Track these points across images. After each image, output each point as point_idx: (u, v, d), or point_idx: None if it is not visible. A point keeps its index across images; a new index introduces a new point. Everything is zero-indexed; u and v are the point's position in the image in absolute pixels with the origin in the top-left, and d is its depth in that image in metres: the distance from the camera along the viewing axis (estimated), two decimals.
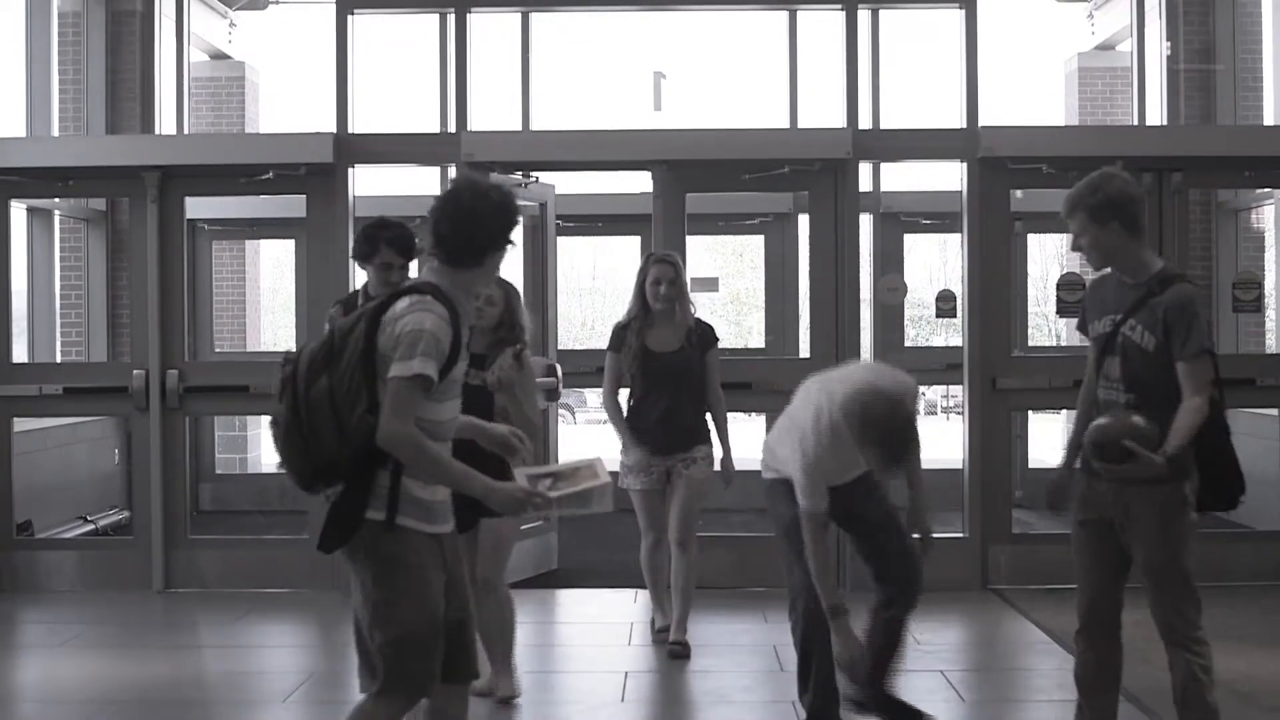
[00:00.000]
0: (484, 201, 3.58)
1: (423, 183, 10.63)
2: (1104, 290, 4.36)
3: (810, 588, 4.94)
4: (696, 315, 6.45)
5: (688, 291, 6.41)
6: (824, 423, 4.73)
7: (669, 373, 6.29)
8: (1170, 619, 4.16)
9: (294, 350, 3.60)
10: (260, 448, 12.21)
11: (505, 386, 5.10)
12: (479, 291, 4.65)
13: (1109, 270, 4.33)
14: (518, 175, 8.19)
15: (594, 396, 25.38)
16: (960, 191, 8.00)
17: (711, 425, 6.44)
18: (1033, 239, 12.13)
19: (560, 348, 9.39)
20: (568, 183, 9.87)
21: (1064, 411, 12.45)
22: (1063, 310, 8.47)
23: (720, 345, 6.58)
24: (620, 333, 6.41)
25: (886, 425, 4.54)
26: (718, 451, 6.46)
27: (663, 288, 6.29)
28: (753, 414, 10.31)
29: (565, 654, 6.89)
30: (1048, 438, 14.06)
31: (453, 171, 8.33)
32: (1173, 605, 4.16)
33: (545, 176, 8.57)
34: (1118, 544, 4.24)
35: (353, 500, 3.45)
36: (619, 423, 6.41)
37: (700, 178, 8.22)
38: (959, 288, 8.23)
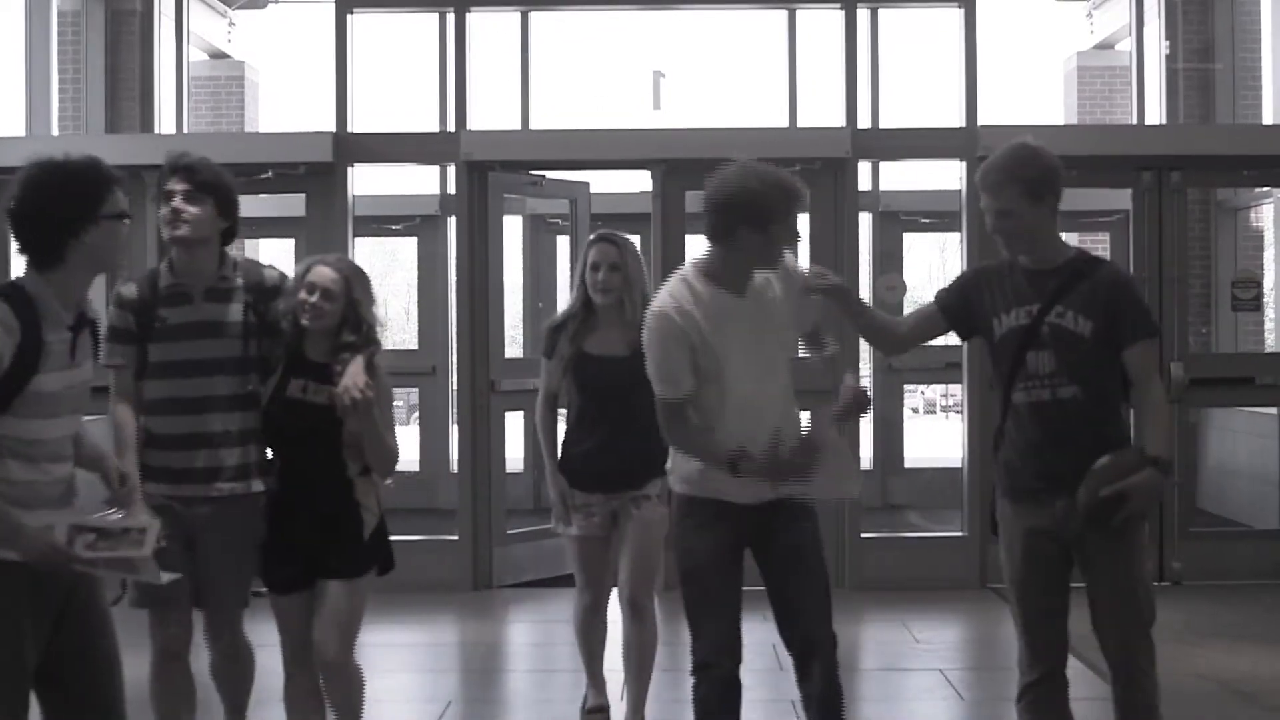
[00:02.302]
0: (37, 182, 3.18)
1: (423, 182, 10.67)
2: (998, 280, 3.86)
3: (720, 646, 3.78)
4: None
5: (643, 281, 4.89)
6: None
7: (613, 385, 4.76)
8: (1132, 647, 3.73)
9: None
10: None
11: (361, 409, 3.89)
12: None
13: (993, 261, 3.94)
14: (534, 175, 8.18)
15: None
16: (959, 190, 8.01)
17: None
18: None
19: None
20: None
21: None
22: None
23: None
24: (553, 335, 4.93)
25: (743, 196, 3.82)
26: None
27: (601, 274, 4.82)
28: None
29: (566, 653, 6.89)
30: None
31: (452, 171, 8.34)
32: (1136, 627, 3.73)
33: (577, 174, 8.53)
34: (1063, 570, 3.81)
35: None
36: (548, 447, 4.96)
37: (700, 177, 8.13)
38: None
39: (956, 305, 3.95)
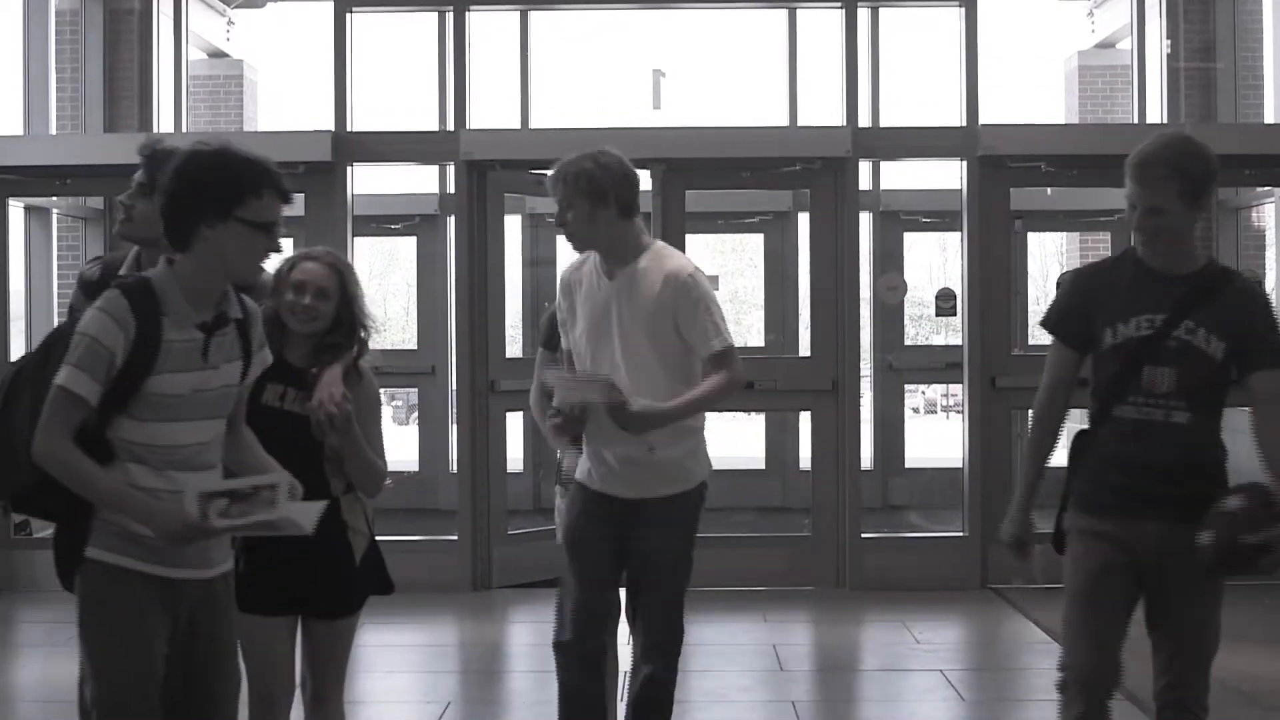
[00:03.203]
0: (191, 160, 3.00)
1: (422, 181, 10.65)
2: (1110, 285, 3.53)
3: (575, 612, 4.10)
4: None
5: None
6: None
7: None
8: (1197, 688, 3.54)
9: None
10: None
11: (339, 424, 3.48)
12: (249, 281, 3.25)
13: (1104, 260, 3.67)
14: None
15: None
16: (960, 190, 7.99)
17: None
18: (1033, 237, 12.11)
19: None
20: None
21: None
22: None
23: None
24: (553, 325, 4.50)
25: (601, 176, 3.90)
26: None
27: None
28: (752, 413, 10.30)
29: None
30: None
31: (452, 170, 8.32)
32: (1202, 664, 3.54)
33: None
34: (1132, 594, 3.57)
35: (65, 531, 3.02)
36: (541, 414, 4.44)
37: (699, 176, 8.22)
38: (959, 286, 8.21)
39: (1080, 327, 3.56)
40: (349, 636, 3.72)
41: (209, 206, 2.94)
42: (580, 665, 4.12)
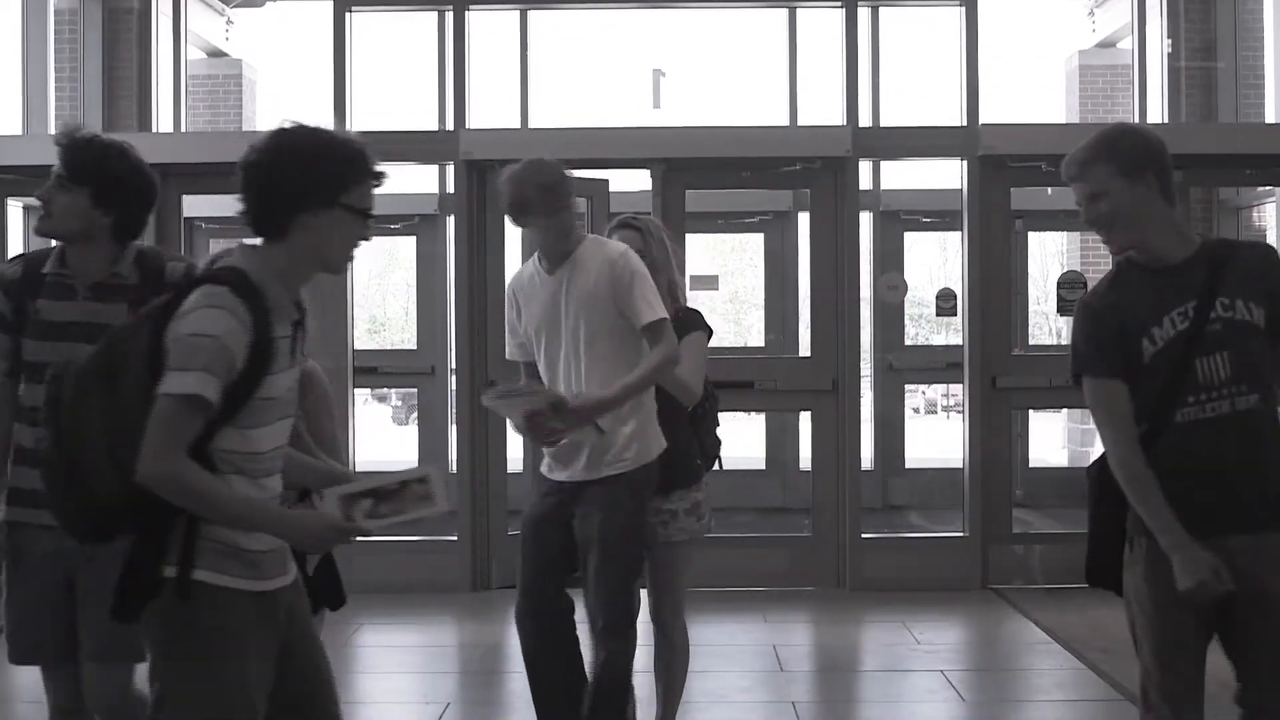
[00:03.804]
0: (290, 142, 2.75)
1: (421, 181, 10.63)
2: (1128, 295, 3.21)
3: (531, 590, 4.22)
4: (683, 304, 4.58)
5: (670, 268, 4.53)
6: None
7: None
8: None
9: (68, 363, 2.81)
10: None
11: None
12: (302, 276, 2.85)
13: (1101, 282, 3.31)
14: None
15: None
16: (960, 189, 7.98)
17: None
18: (1033, 237, 12.11)
19: None
20: None
21: (1064, 410, 12.47)
22: (1064, 309, 8.45)
23: (715, 342, 4.69)
24: None
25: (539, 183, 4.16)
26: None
27: None
28: (753, 413, 10.29)
29: None
30: (1048, 437, 14.05)
31: (451, 170, 8.31)
32: None
33: (594, 173, 8.51)
34: (1207, 622, 3.16)
35: (144, 554, 2.70)
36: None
37: (699, 176, 8.21)
38: (959, 286, 8.21)
39: (1118, 354, 3.19)
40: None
41: (315, 192, 2.72)
42: (537, 635, 4.25)
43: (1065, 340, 17.15)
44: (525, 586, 4.26)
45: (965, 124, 7.92)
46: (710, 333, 4.52)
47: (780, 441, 10.75)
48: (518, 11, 8.77)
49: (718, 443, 4.69)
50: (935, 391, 26.76)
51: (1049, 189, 9.42)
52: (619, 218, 4.68)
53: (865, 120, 8.20)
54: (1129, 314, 3.18)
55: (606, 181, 8.63)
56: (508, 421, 4.53)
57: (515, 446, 7.55)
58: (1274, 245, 3.35)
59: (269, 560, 2.77)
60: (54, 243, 3.58)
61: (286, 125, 2.78)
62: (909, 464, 10.88)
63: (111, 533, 2.76)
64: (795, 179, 8.25)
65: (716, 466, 4.71)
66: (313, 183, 2.73)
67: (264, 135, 2.78)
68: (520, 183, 4.19)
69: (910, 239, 11.43)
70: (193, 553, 2.68)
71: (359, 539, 2.82)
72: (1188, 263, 3.17)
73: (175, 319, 2.66)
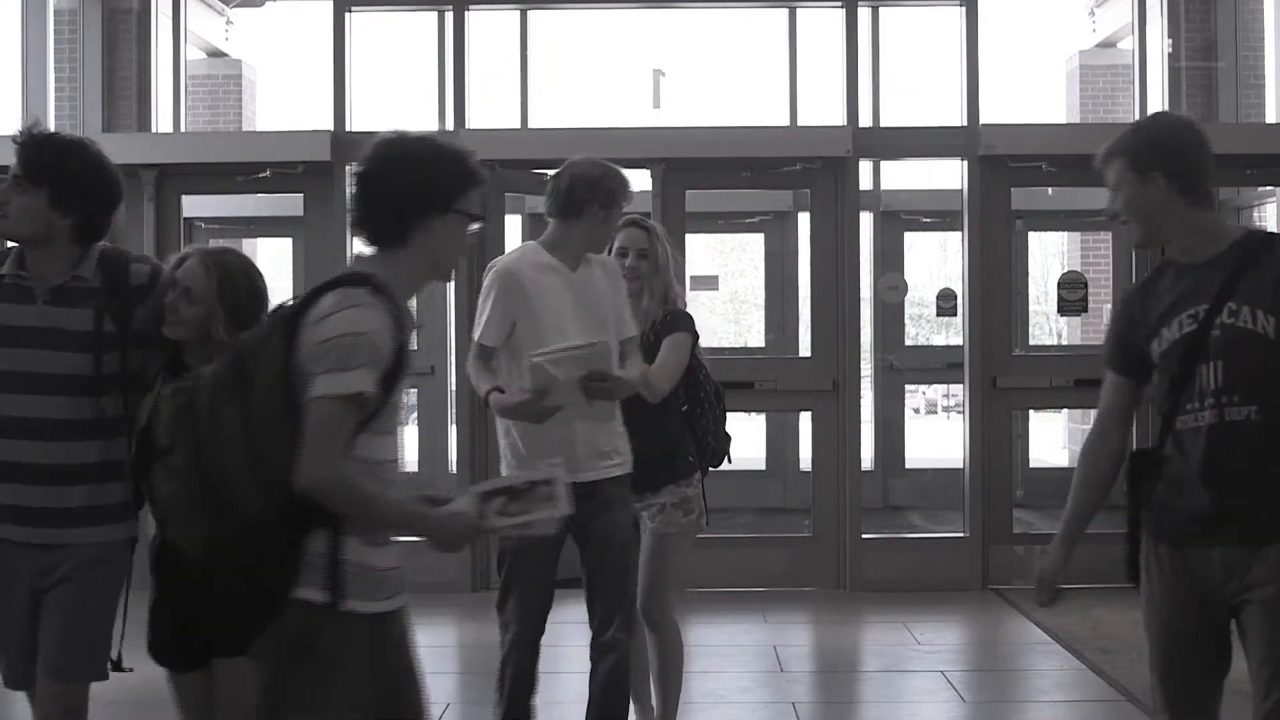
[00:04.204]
0: (403, 150, 2.78)
1: None
2: (1150, 293, 3.16)
3: (522, 616, 4.18)
4: (677, 306, 4.60)
5: (668, 270, 4.60)
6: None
7: None
8: None
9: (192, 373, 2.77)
10: None
11: None
12: (422, 282, 2.91)
13: (1150, 273, 3.24)
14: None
15: None
16: (961, 189, 7.98)
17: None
18: (1034, 237, 12.11)
19: None
20: None
21: (1065, 411, 12.46)
22: (1064, 309, 8.45)
23: (707, 342, 4.95)
24: None
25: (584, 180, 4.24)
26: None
27: (629, 260, 4.54)
28: (753, 414, 10.28)
29: (568, 654, 6.86)
30: (1048, 437, 14.04)
31: None
32: None
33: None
34: (1217, 632, 3.15)
35: (279, 574, 2.60)
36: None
37: (699, 176, 8.20)
38: (959, 286, 8.20)
39: (1129, 351, 3.19)
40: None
41: (433, 198, 2.76)
42: (532, 659, 4.32)
43: (1065, 341, 17.18)
44: (530, 608, 4.17)
45: (965, 124, 7.92)
46: (696, 337, 4.54)
47: (780, 442, 10.75)
48: (518, 11, 8.77)
49: (728, 438, 4.78)
50: (935, 392, 26.74)
51: (1049, 189, 9.44)
52: (626, 217, 4.64)
53: (865, 120, 8.19)
54: (1149, 311, 3.13)
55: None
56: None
57: None
58: None
59: (392, 579, 2.76)
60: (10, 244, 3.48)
61: (390, 134, 2.81)
62: (909, 464, 10.88)
63: (247, 554, 2.60)
64: (795, 179, 8.24)
65: (726, 463, 4.79)
66: (431, 189, 2.77)
67: (371, 145, 2.79)
68: (608, 174, 4.26)
69: (910, 239, 11.43)
70: (342, 579, 2.63)
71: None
72: (1213, 262, 3.06)
73: (312, 325, 2.60)
